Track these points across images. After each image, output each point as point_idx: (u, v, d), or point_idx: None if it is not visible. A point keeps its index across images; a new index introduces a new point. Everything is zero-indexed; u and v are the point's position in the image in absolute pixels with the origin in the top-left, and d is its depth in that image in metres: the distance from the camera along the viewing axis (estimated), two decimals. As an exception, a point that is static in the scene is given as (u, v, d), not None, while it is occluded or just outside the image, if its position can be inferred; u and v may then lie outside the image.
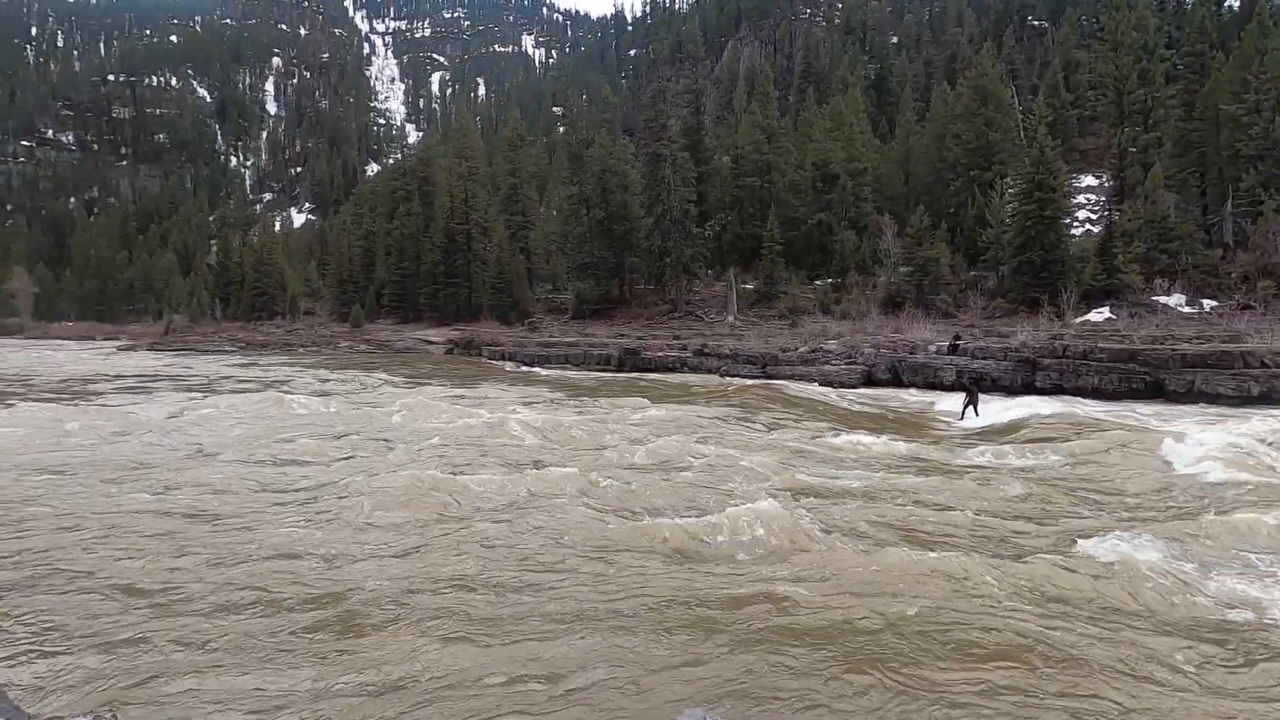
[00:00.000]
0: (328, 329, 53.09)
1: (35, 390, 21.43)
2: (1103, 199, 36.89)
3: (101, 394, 20.37)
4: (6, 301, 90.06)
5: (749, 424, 14.12)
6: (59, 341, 63.37)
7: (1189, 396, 16.02)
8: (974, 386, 15.80)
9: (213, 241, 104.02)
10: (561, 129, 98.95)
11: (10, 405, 16.88)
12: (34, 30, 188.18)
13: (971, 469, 10.07)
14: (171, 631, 4.92)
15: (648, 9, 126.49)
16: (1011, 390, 17.85)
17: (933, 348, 22.16)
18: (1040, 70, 53.03)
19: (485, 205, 53.78)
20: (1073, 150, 42.05)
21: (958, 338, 22.36)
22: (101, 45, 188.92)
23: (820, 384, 21.29)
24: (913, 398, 18.78)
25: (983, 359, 19.83)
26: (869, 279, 35.21)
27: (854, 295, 33.69)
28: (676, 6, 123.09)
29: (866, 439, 11.92)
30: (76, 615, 5.19)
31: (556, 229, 51.00)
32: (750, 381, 22.65)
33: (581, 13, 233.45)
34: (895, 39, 71.04)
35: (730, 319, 36.01)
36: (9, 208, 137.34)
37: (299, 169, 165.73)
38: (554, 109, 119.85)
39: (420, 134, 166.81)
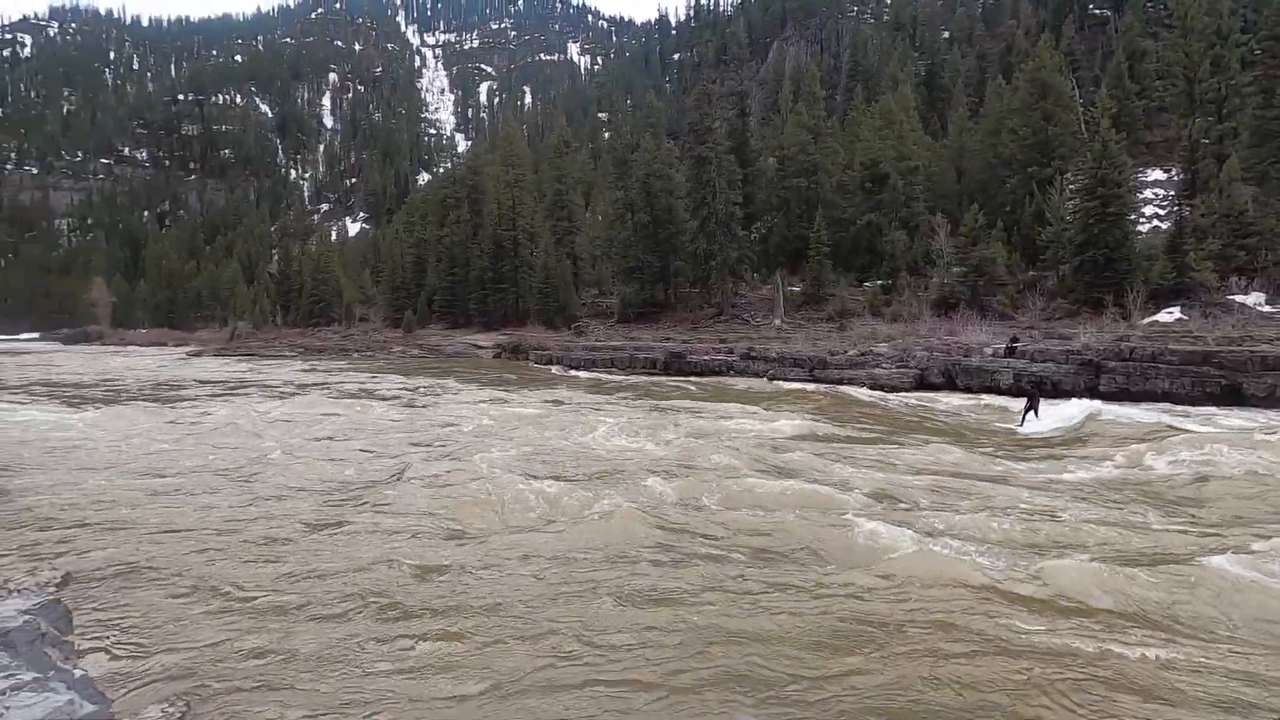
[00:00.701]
0: (381, 334, 54.66)
1: (133, 393, 22.69)
2: (1172, 194, 35.14)
3: (197, 397, 21.42)
4: (88, 310, 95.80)
5: (848, 435, 13.77)
6: (135, 347, 66.99)
7: (1270, 401, 15.11)
8: (1035, 390, 15.25)
9: (274, 251, 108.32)
10: (606, 134, 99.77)
11: (110, 407, 17.94)
12: (112, 55, 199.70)
13: (1046, 477, 9.71)
14: (254, 630, 5.14)
15: (691, 12, 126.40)
16: (1073, 394, 17.14)
17: (989, 350, 21.48)
18: (1102, 61, 50.87)
19: (532, 212, 54.56)
20: (1138, 143, 40.18)
21: (1015, 340, 21.62)
22: (172, 67, 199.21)
23: (870, 387, 20.88)
24: (968, 402, 18.23)
25: (1042, 362, 19.12)
26: (921, 280, 34.37)
27: (905, 297, 32.94)
28: (721, 9, 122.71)
29: (941, 447, 11.61)
30: (164, 612, 5.47)
31: (601, 234, 51.42)
32: (798, 385, 22.37)
33: (626, 18, 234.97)
34: (946, 34, 69.17)
35: (777, 322, 35.64)
36: (89, 222, 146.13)
37: (354, 180, 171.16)
38: (599, 115, 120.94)
39: (469, 143, 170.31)
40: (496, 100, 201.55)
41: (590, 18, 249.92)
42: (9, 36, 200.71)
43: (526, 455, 11.11)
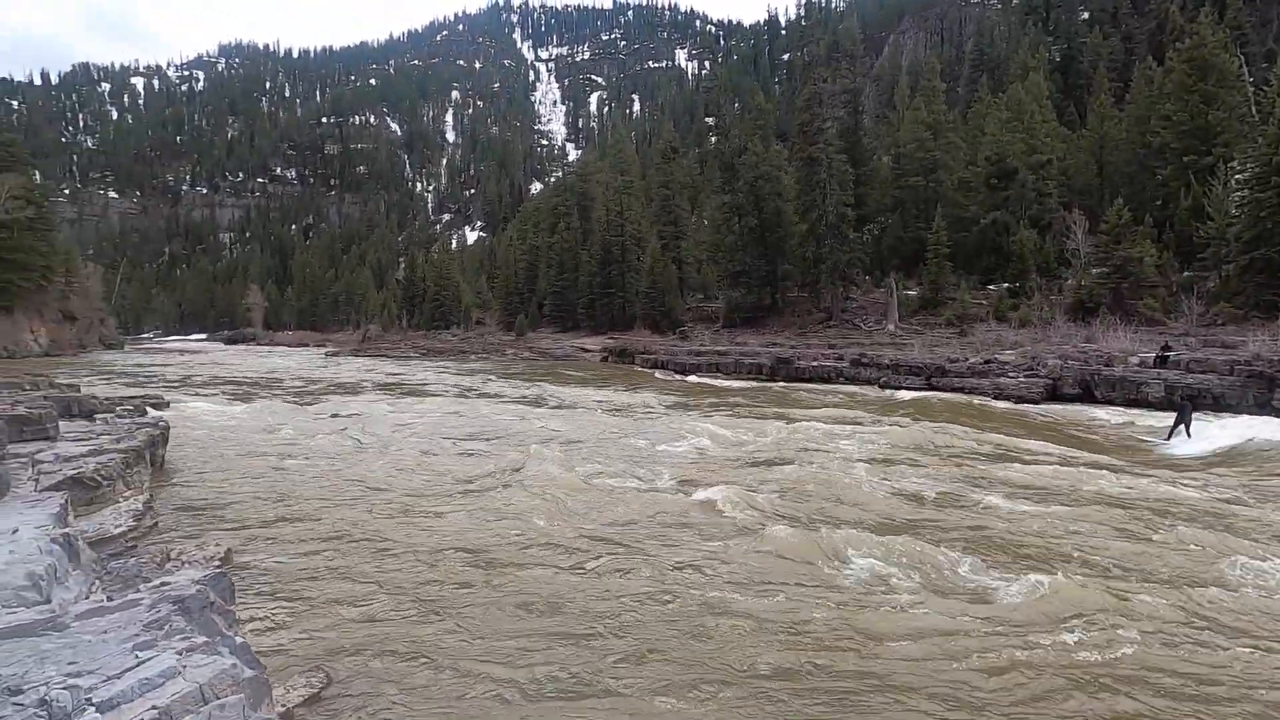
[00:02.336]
0: (495, 337, 57.26)
1: (282, 388, 25.19)
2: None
3: (337, 392, 23.48)
4: (245, 314, 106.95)
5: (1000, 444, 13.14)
6: (283, 347, 73.95)
7: None
8: (1188, 404, 13.70)
9: (401, 259, 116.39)
10: (714, 139, 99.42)
11: (263, 401, 20.01)
12: (268, 85, 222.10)
13: (1209, 502, 8.71)
14: (393, 609, 5.57)
15: (802, 11, 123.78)
16: (1239, 410, 15.22)
17: (1134, 359, 19.50)
18: (1278, 34, 44.96)
19: (639, 217, 55.34)
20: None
21: (1167, 348, 19.50)
22: (317, 93, 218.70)
23: (994, 397, 19.54)
24: (1109, 416, 16.63)
25: (1201, 373, 17.09)
26: (1053, 283, 31.79)
27: (1035, 301, 30.56)
28: (833, 5, 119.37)
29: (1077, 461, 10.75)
30: (311, 588, 6.03)
31: (708, 238, 51.30)
32: (913, 394, 21.30)
33: (734, 21, 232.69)
34: (1085, 15, 63.56)
35: (890, 327, 34.11)
36: (247, 235, 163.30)
37: (472, 191, 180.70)
38: (706, 120, 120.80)
39: (579, 152, 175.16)
40: (606, 109, 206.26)
41: (698, 23, 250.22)
42: (185, 74, 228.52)
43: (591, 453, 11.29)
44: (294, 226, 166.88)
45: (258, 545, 7.10)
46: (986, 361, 22.38)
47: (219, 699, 2.89)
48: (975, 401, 19.35)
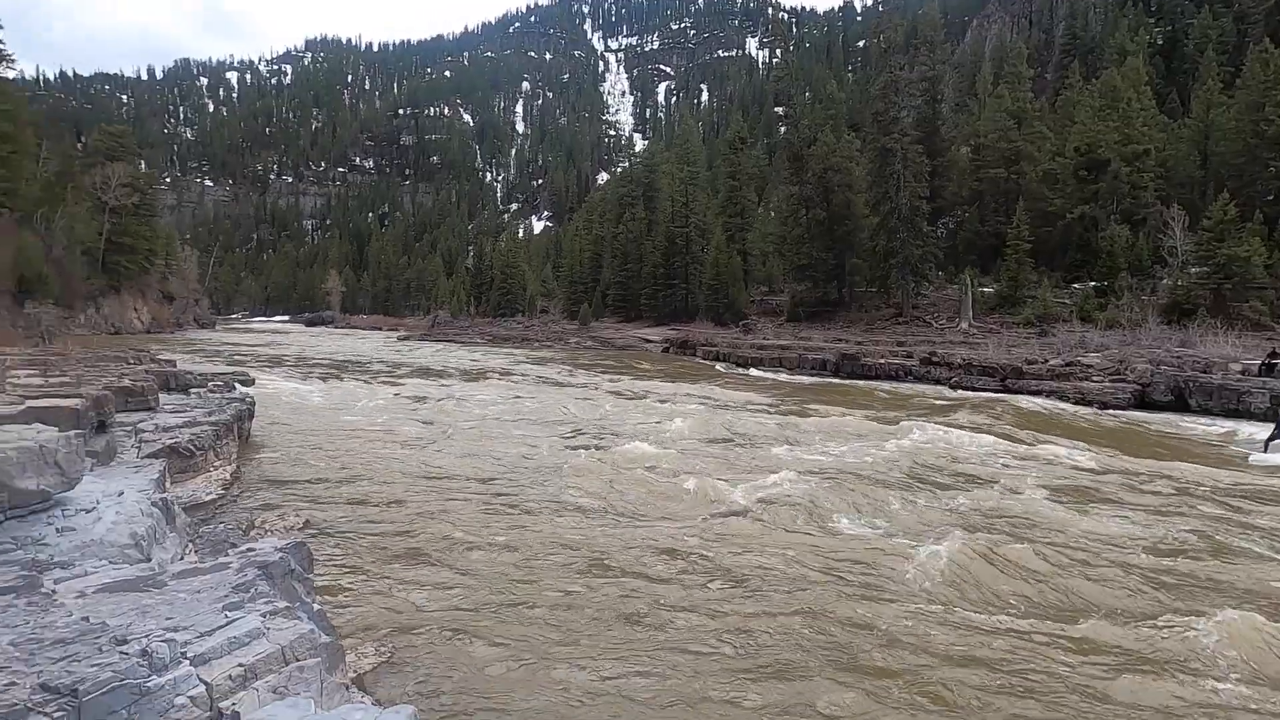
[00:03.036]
0: (558, 326, 58.10)
1: (358, 368, 26.37)
2: None
3: (409, 374, 24.43)
4: (324, 297, 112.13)
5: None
6: (359, 330, 77.15)
7: None
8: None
9: (470, 247, 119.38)
10: (783, 129, 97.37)
11: (341, 381, 20.99)
12: (349, 78, 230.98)
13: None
14: (461, 584, 5.78)
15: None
16: (1357, 425, 13.91)
17: (1236, 366, 18.13)
18: None
19: (704, 208, 54.94)
20: None
21: (1275, 354, 18.04)
22: (395, 85, 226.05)
23: (1075, 402, 18.52)
24: (1205, 426, 15.52)
25: (1313, 383, 15.74)
26: (1145, 282, 29.82)
27: (1124, 301, 28.73)
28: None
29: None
30: (382, 560, 6.32)
31: (774, 230, 50.49)
32: (986, 395, 20.44)
33: (807, 8, 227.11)
34: (1194, -7, 58.93)
35: (964, 325, 32.78)
36: (328, 223, 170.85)
37: (540, 181, 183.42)
38: (775, 109, 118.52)
39: (646, 142, 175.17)
40: (674, 100, 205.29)
41: (770, 10, 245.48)
42: (275, 68, 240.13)
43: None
44: (370, 214, 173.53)
45: (332, 518, 7.47)
46: (1068, 364, 21.25)
47: (298, 661, 3.07)
48: (1051, 405, 18.40)
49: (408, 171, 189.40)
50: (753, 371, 29.31)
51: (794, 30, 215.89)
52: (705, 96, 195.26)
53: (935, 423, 14.48)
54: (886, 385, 23.93)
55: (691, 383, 23.36)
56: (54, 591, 3.29)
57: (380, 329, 77.13)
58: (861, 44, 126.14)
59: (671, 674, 4.42)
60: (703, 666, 4.51)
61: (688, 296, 52.38)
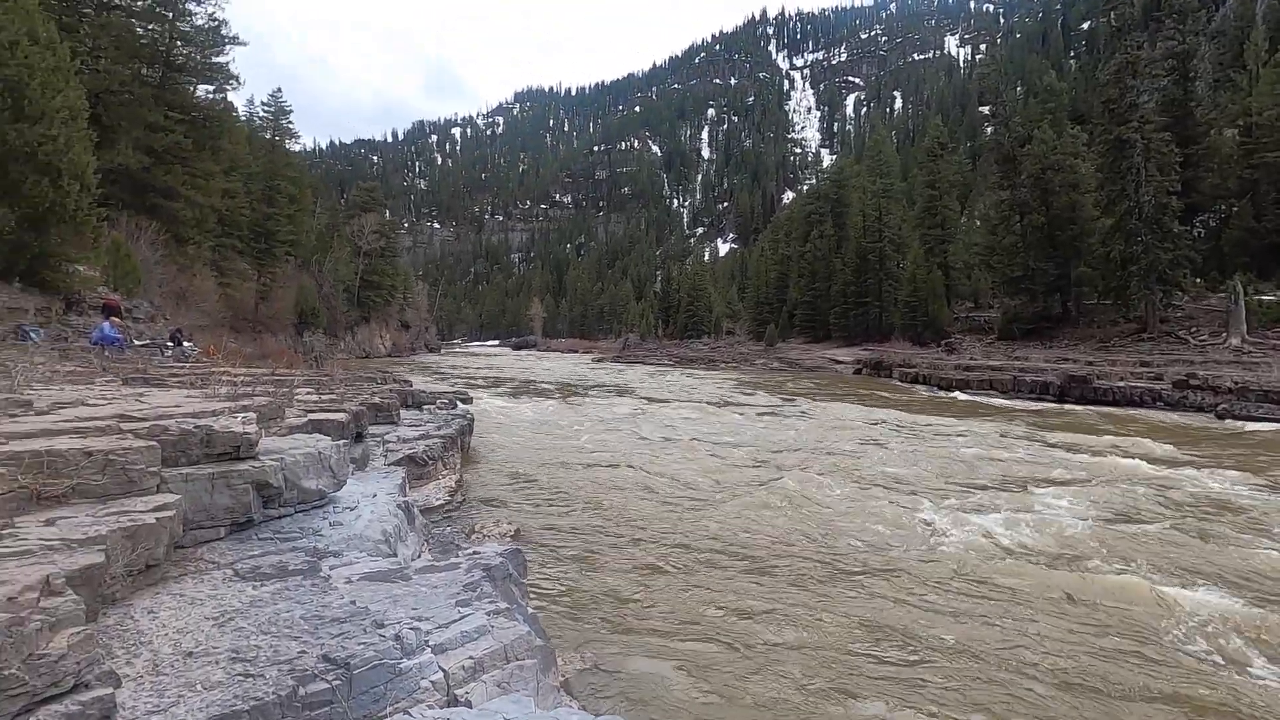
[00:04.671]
0: (744, 347, 57.94)
1: (558, 389, 28.56)
2: None
3: (626, 395, 26.00)
4: (528, 323, 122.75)
5: None
6: (557, 353, 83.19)
7: None
8: None
9: (658, 272, 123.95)
10: (989, 130, 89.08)
11: (546, 400, 22.84)
12: (550, 122, 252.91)
13: None
14: (666, 601, 5.96)
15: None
16: None
17: None
18: None
19: (899, 221, 51.90)
20: None
21: None
22: (590, 125, 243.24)
23: None
24: None
25: None
26: None
27: None
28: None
29: None
30: (589, 571, 6.70)
31: (980, 240, 46.12)
32: (1268, 427, 16.75)
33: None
34: None
35: (1234, 341, 27.28)
36: (531, 255, 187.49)
37: (725, 204, 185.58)
38: (980, 109, 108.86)
39: (833, 157, 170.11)
40: (863, 110, 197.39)
41: (971, 3, 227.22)
42: (490, 121, 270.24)
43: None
44: (568, 245, 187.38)
45: (541, 527, 8.05)
46: (1395, 389, 16.77)
47: (518, 660, 3.33)
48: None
49: (601, 203, 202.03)
50: (958, 395, 26.84)
51: (1000, 21, 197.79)
52: (899, 104, 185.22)
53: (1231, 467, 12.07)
54: (1127, 413, 20.59)
55: (898, 408, 21.96)
56: (329, 576, 3.90)
57: (576, 351, 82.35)
58: (1086, 26, 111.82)
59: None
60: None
61: (881, 315, 49.61)
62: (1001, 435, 15.54)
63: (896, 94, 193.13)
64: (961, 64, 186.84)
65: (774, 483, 10.09)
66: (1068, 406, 22.36)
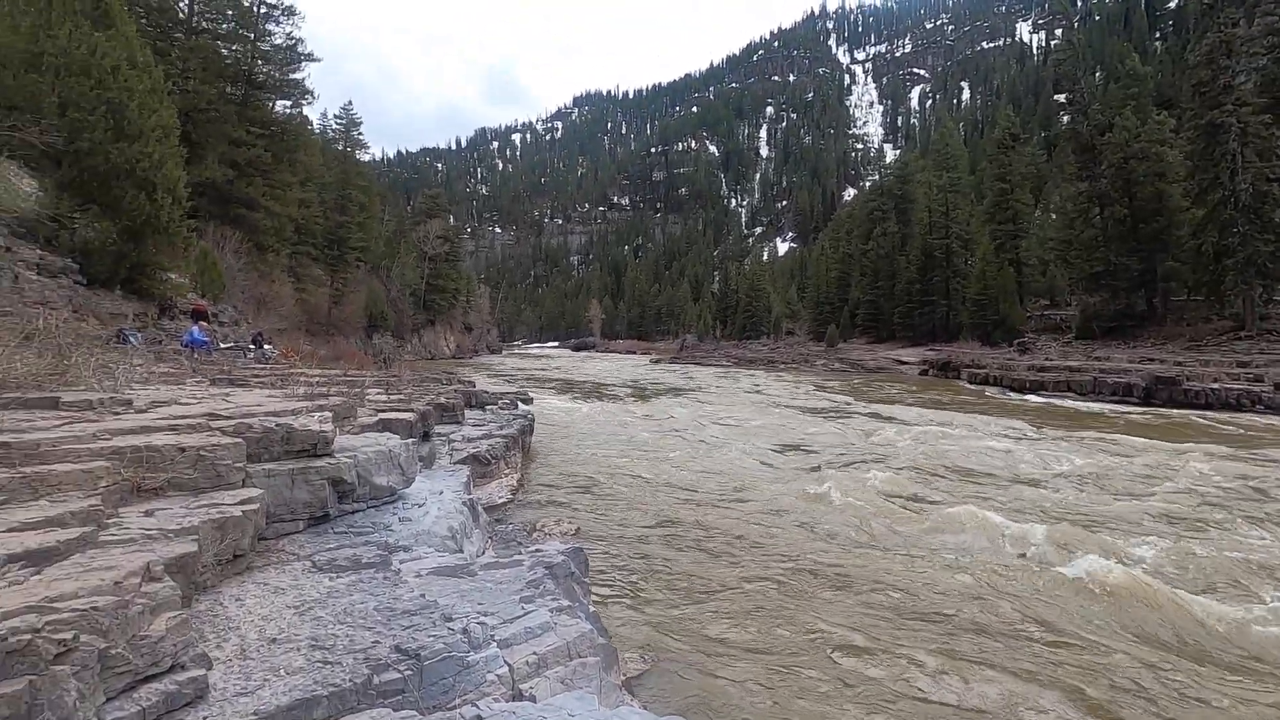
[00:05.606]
0: (805, 347, 56.95)
1: (616, 390, 28.79)
2: None
3: (683, 396, 26.09)
4: (586, 325, 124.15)
5: None
6: (615, 354, 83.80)
7: None
8: None
9: (716, 273, 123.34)
10: (1065, 118, 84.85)
11: (603, 402, 23.05)
12: (609, 125, 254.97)
13: None
14: (724, 602, 5.94)
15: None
16: None
17: None
18: None
19: (967, 216, 50.05)
20: None
21: None
22: (647, 126, 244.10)
23: None
24: None
25: None
26: None
27: None
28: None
29: None
30: (650, 572, 6.73)
31: (1056, 234, 43.95)
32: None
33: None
34: None
35: (1346, 340, 25.11)
36: (590, 257, 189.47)
37: (784, 203, 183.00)
38: (1055, 97, 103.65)
39: (897, 152, 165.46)
40: (928, 103, 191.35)
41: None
42: (549, 125, 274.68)
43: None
44: (626, 247, 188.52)
45: (600, 527, 8.13)
46: None
47: (580, 658, 3.37)
48: None
49: (658, 205, 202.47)
50: (1031, 398, 25.64)
51: (1078, 4, 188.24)
52: (966, 95, 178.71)
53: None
54: (1223, 416, 19.22)
55: (973, 412, 21.18)
56: (399, 570, 4.04)
57: (634, 352, 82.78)
58: (1173, 4, 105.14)
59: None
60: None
61: (948, 314, 47.92)
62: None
63: (964, 85, 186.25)
64: (1034, 50, 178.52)
65: (851, 495, 9.88)
66: (1155, 409, 21.04)
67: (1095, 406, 22.39)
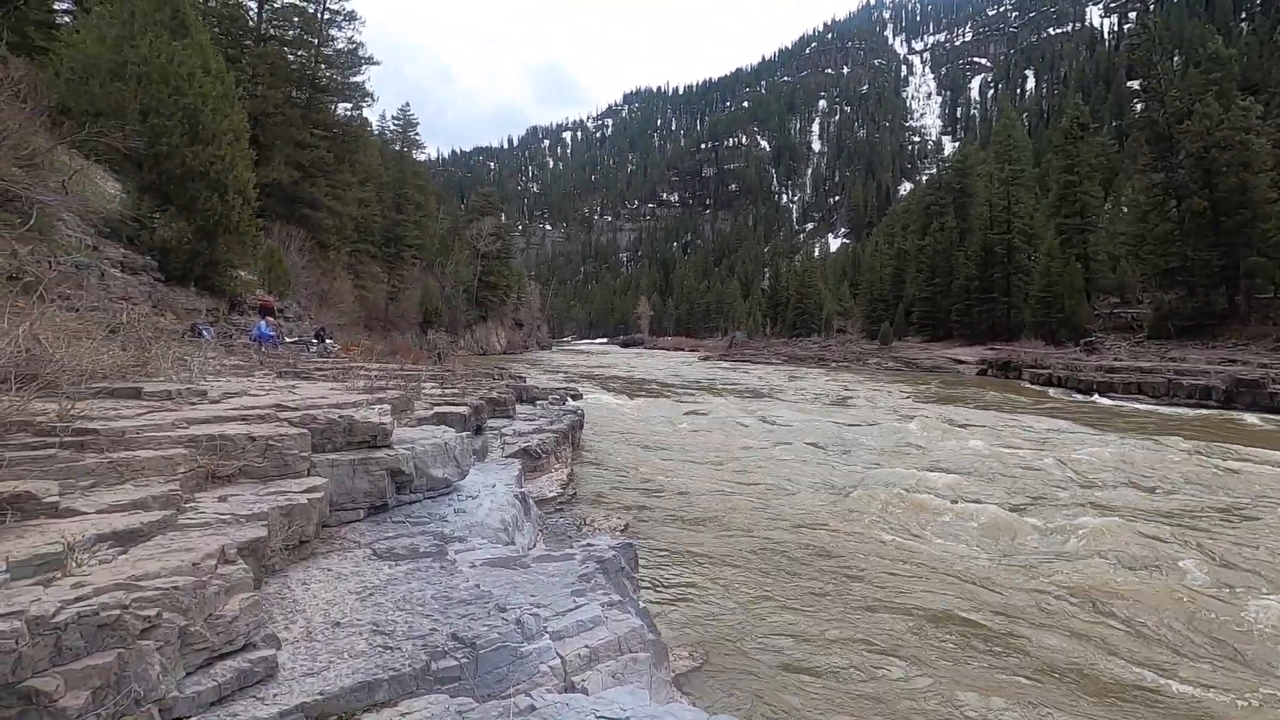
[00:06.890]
0: (857, 345, 55.74)
1: (665, 387, 28.82)
2: None
3: (731, 395, 26.01)
4: (635, 321, 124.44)
5: None
6: (663, 351, 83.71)
7: None
8: None
9: (766, 269, 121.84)
10: (1139, 106, 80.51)
11: (652, 399, 23.10)
12: (658, 122, 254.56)
13: None
14: (771, 602, 5.89)
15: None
16: None
17: None
18: None
19: (1030, 210, 48.07)
20: None
21: None
22: (697, 122, 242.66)
23: None
24: None
25: None
26: None
27: None
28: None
29: None
30: (696, 569, 6.72)
31: (1127, 229, 41.78)
32: None
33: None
34: None
35: None
36: (639, 253, 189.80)
37: (836, 198, 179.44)
38: (1127, 85, 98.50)
39: (956, 145, 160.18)
40: (990, 93, 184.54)
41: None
42: (599, 123, 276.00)
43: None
44: (675, 244, 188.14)
45: (650, 523, 8.15)
46: None
47: (631, 653, 3.38)
48: None
49: (708, 201, 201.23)
50: (1099, 400, 24.50)
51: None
52: (1031, 84, 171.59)
53: None
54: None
55: (1047, 415, 20.40)
56: (454, 560, 4.14)
57: (683, 349, 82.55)
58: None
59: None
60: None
61: (1009, 311, 46.19)
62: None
63: (1028, 73, 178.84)
64: (1106, 35, 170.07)
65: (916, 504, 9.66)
66: (1237, 413, 19.83)
67: (1168, 410, 21.24)
